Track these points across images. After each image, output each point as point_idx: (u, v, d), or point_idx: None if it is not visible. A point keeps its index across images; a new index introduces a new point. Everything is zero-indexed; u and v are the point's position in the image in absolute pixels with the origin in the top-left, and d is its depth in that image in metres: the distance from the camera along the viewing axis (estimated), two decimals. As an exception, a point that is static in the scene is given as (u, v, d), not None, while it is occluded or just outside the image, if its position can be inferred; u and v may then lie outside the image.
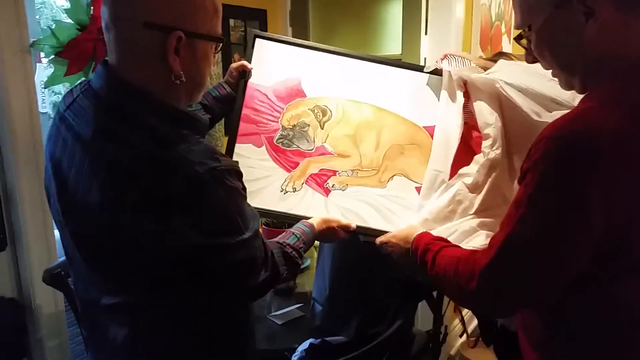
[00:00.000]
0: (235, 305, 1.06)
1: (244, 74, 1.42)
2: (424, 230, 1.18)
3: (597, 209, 0.75)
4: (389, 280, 1.50)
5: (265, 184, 1.41)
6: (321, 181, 1.44)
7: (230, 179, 0.89)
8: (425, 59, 2.39)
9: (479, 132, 1.32)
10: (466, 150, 1.38)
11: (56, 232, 1.20)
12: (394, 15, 2.46)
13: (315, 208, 1.41)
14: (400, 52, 2.45)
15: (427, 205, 1.33)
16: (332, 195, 1.43)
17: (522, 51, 0.95)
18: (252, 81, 1.44)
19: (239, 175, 0.93)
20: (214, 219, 0.87)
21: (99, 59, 1.63)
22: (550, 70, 0.92)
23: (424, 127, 1.47)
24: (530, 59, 0.92)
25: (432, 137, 1.45)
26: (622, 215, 0.76)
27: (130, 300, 0.91)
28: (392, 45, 2.51)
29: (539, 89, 1.23)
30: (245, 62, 1.41)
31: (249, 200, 0.97)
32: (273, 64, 1.46)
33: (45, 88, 1.65)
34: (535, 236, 0.80)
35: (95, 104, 0.89)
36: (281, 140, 1.42)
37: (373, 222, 1.41)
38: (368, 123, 1.46)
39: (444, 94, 1.40)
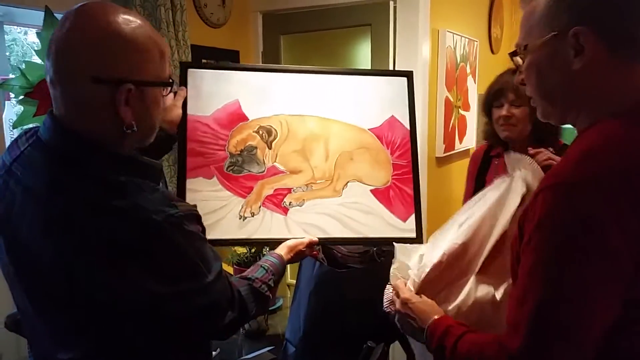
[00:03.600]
0: (196, 352, 1.04)
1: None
2: (444, 315, 1.05)
3: (623, 251, 0.72)
4: (362, 321, 1.49)
5: (223, 214, 1.41)
6: (278, 201, 1.45)
7: (188, 224, 0.89)
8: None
9: None
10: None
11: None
12: (364, 55, 2.54)
13: (276, 229, 1.42)
14: (370, 92, 2.51)
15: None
16: (290, 213, 1.45)
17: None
18: (191, 113, 1.42)
19: (198, 218, 0.93)
20: (173, 266, 0.87)
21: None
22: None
23: (369, 129, 1.53)
24: (519, 79, 0.93)
25: (378, 138, 1.52)
26: None
27: (87, 354, 0.89)
28: (362, 85, 2.57)
29: None
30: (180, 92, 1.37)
31: (208, 233, 0.98)
32: (209, 93, 1.45)
33: (14, 128, 1.62)
34: (567, 299, 0.74)
35: (44, 155, 0.87)
36: (231, 167, 1.42)
37: (334, 231, 1.45)
38: (314, 135, 1.48)
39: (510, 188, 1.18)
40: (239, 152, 1.42)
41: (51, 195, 0.84)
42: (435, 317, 1.03)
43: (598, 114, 0.83)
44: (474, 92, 3.13)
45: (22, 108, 1.60)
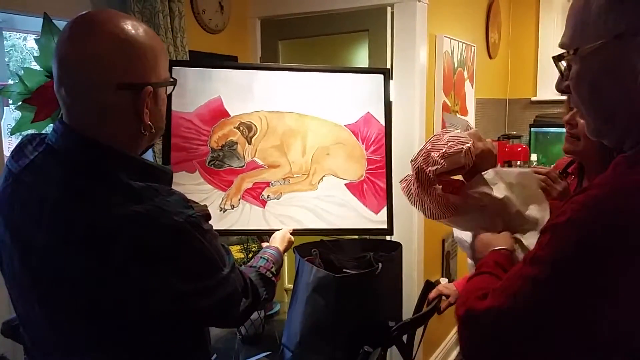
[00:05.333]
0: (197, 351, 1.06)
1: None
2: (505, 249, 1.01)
3: (614, 305, 0.64)
4: (359, 326, 1.50)
5: None
6: (256, 194, 1.51)
7: (204, 224, 0.93)
8: (391, 102, 2.46)
9: None
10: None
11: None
12: (361, 60, 2.55)
13: (255, 220, 1.49)
14: (368, 97, 2.52)
15: None
16: (268, 205, 1.51)
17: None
18: (175, 109, 1.48)
19: (209, 218, 0.97)
20: (197, 264, 0.91)
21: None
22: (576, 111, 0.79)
23: (345, 125, 1.58)
24: (562, 87, 0.77)
25: (353, 134, 1.57)
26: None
27: None
28: (360, 90, 2.58)
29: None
30: None
31: None
32: (193, 90, 1.51)
33: (12, 134, 1.63)
34: (537, 302, 0.69)
35: (58, 163, 0.88)
36: (212, 162, 1.47)
37: (309, 223, 1.53)
38: (292, 131, 1.53)
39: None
40: (220, 148, 1.47)
41: (71, 204, 0.85)
42: (498, 248, 1.01)
43: None
44: (472, 96, 3.14)
45: (20, 114, 1.61)
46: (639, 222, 0.63)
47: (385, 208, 1.62)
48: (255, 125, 1.50)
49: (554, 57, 0.76)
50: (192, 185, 1.48)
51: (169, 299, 0.87)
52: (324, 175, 1.56)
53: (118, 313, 0.86)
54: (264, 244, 1.42)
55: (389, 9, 2.41)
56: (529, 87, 3.85)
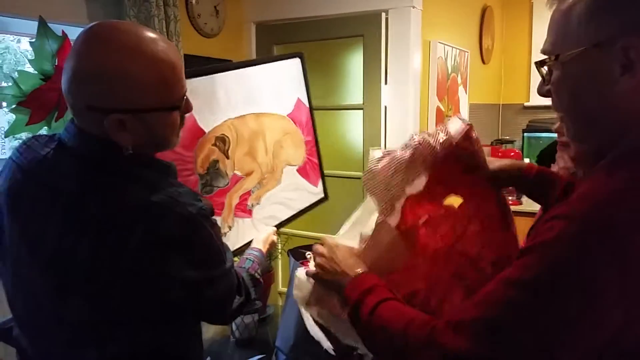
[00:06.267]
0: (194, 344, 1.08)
1: None
2: (372, 273, 0.93)
3: (613, 314, 0.63)
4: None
5: None
6: (244, 207, 1.51)
7: (211, 217, 0.96)
8: (385, 106, 2.48)
9: None
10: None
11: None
12: (356, 67, 2.56)
13: (248, 233, 1.49)
14: (362, 102, 2.54)
15: None
16: (254, 213, 1.52)
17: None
18: None
19: (214, 213, 0.99)
20: (205, 254, 0.94)
21: (62, 108, 1.63)
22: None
23: (287, 115, 1.63)
24: (543, 91, 0.78)
25: (294, 122, 1.63)
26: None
27: (116, 353, 0.92)
28: (354, 95, 2.60)
29: None
30: None
31: None
32: None
33: (6, 137, 1.63)
34: (529, 328, 0.64)
35: (72, 159, 0.90)
36: (203, 189, 1.40)
37: (282, 215, 1.60)
38: (254, 133, 1.52)
39: None
40: (206, 171, 1.39)
41: (86, 196, 0.87)
42: (363, 271, 0.92)
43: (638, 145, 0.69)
44: (465, 102, 3.17)
45: (14, 117, 1.61)
46: (634, 229, 0.62)
47: (320, 180, 1.78)
48: (227, 137, 1.43)
49: (536, 63, 0.78)
50: None
51: (179, 286, 0.90)
52: (282, 168, 1.62)
53: (128, 302, 0.88)
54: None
55: (383, 14, 2.42)
56: (522, 92, 3.88)
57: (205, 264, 0.94)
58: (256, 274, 1.22)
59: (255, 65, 1.55)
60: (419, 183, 0.96)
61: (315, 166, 1.77)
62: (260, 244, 1.40)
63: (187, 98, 0.96)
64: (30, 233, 0.91)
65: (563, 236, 0.64)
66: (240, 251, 1.40)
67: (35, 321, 0.97)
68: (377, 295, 0.84)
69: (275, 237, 1.50)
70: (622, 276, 0.62)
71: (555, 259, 0.64)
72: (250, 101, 1.50)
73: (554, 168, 1.05)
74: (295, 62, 1.71)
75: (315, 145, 1.77)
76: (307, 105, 1.74)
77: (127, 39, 0.87)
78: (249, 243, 1.43)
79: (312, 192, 1.75)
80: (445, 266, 1.00)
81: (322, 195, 1.79)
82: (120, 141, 0.88)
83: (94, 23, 0.90)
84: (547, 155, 1.71)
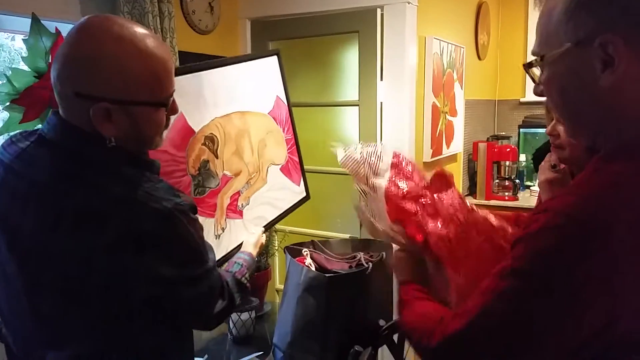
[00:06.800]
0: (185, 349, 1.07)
1: None
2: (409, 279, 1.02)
3: (595, 304, 0.65)
4: (350, 325, 1.50)
5: None
6: (234, 207, 1.48)
7: (191, 214, 0.94)
8: (381, 103, 2.48)
9: None
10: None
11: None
12: (351, 63, 2.55)
13: (240, 234, 1.47)
14: (358, 98, 2.53)
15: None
16: (244, 213, 1.50)
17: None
18: None
19: (196, 210, 0.98)
20: (182, 251, 0.92)
21: (56, 106, 1.62)
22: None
23: (268, 113, 1.61)
24: (538, 91, 0.80)
25: (275, 120, 1.62)
26: (622, 312, 0.66)
27: (94, 349, 0.91)
28: (350, 91, 2.59)
29: None
30: None
31: None
32: None
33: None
34: (514, 316, 0.69)
35: (51, 152, 0.90)
36: (196, 190, 1.38)
37: (270, 215, 1.58)
38: (240, 132, 1.50)
39: None
40: (198, 172, 1.38)
41: (61, 189, 0.87)
42: (402, 279, 1.03)
43: (628, 139, 0.71)
44: (461, 98, 3.17)
45: (8, 115, 1.60)
46: (617, 222, 0.65)
47: (302, 178, 1.76)
48: (216, 137, 1.42)
49: (524, 65, 0.81)
50: None
51: (154, 283, 0.88)
52: (267, 167, 1.60)
53: (102, 298, 0.87)
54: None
55: (378, 10, 2.42)
56: (517, 88, 3.89)
57: (183, 262, 0.92)
58: (243, 279, 1.19)
59: (233, 64, 1.52)
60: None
61: (296, 164, 1.75)
62: (250, 247, 1.39)
63: (174, 99, 0.96)
64: (8, 227, 0.91)
65: (546, 227, 0.68)
66: (231, 255, 1.39)
67: (15, 321, 0.96)
68: (408, 305, 0.95)
69: (264, 240, 1.49)
70: (604, 267, 0.64)
71: (538, 249, 0.68)
72: (233, 100, 1.48)
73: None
74: (273, 60, 1.69)
75: (295, 144, 1.75)
76: (285, 102, 1.72)
77: (122, 31, 0.88)
78: (239, 246, 1.42)
79: (295, 190, 1.74)
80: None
81: (304, 194, 1.77)
82: (103, 131, 0.88)
83: (89, 15, 0.90)
84: (542, 152, 1.73)
